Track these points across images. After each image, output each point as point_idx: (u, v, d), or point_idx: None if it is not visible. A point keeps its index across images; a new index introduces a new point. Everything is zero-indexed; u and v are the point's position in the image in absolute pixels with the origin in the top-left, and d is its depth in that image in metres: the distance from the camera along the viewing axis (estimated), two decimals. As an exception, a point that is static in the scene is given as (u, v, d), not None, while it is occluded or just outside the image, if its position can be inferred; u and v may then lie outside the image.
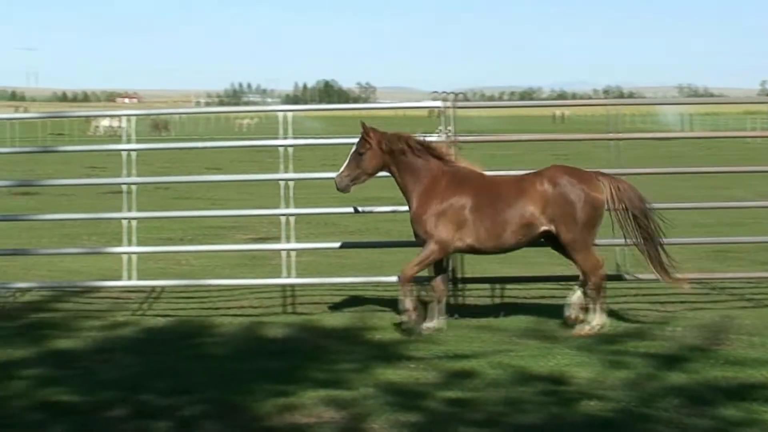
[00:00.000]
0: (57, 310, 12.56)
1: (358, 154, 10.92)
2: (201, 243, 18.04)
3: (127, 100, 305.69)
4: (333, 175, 11.18)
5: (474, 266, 12.13)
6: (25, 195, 28.21)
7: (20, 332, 11.04)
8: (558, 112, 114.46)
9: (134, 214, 12.92)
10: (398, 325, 10.93)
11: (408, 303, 10.76)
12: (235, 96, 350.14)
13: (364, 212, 13.33)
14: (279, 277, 12.71)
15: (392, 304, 12.23)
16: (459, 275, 12.04)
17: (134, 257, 12.67)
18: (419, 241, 10.98)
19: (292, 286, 12.80)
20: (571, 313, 10.84)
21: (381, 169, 11.03)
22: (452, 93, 12.29)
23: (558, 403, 7.96)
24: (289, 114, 12.62)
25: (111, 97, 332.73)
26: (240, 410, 7.84)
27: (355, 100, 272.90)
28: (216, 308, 12.57)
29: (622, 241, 11.23)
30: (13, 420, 7.69)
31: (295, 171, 12.75)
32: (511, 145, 41.00)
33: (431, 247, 10.75)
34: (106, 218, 16.59)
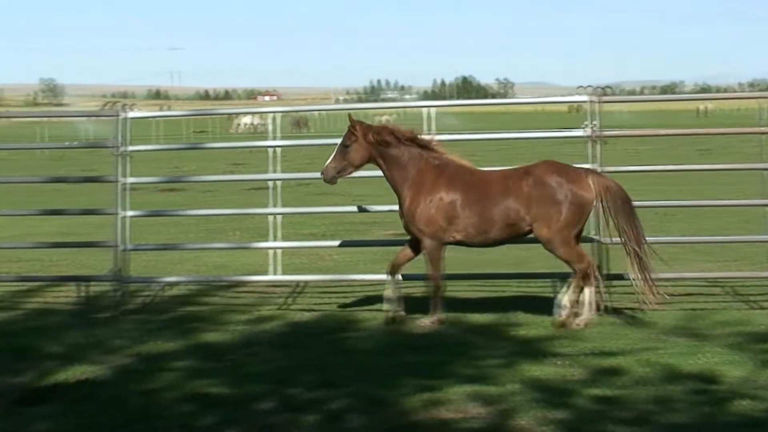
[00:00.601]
0: (204, 303, 12.79)
1: (344, 147, 11.11)
2: (342, 238, 18.15)
3: (267, 98, 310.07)
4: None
5: (618, 263, 11.94)
6: (171, 191, 28.86)
7: (169, 325, 11.27)
8: (701, 106, 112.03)
9: (280, 209, 13.06)
10: (550, 322, 10.85)
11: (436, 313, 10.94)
12: (373, 93, 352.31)
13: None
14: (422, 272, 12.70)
15: (536, 300, 12.15)
16: (605, 272, 11.86)
17: (279, 252, 12.83)
18: (411, 236, 11.17)
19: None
20: (560, 313, 10.80)
21: (367, 162, 11.23)
22: (598, 87, 12.11)
23: (709, 402, 7.79)
24: (432, 110, 12.62)
25: (252, 95, 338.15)
26: (386, 404, 7.86)
27: (493, 96, 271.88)
28: (359, 303, 12.62)
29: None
30: (165, 411, 7.85)
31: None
32: (653, 140, 40.30)
33: (427, 243, 10.95)
34: (252, 213, 16.82)
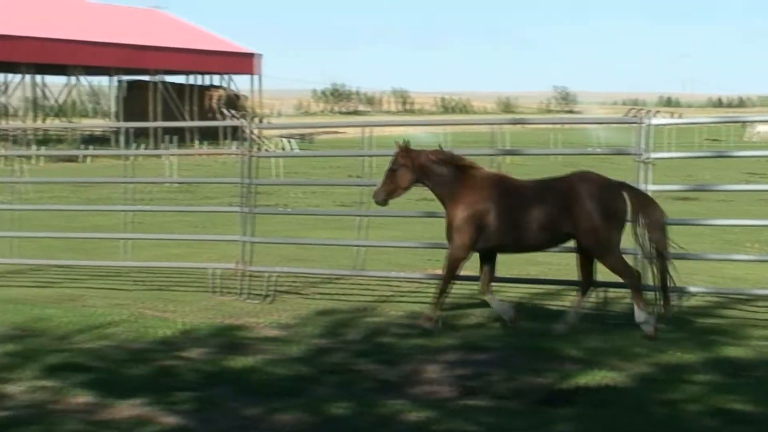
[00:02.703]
0: (723, 316, 12.44)
1: (392, 171, 11.83)
2: None
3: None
4: None
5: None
6: (686, 200, 28.45)
7: (687, 337, 11.08)
8: None
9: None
10: None
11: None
12: None
13: None
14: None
15: None
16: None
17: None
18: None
19: None
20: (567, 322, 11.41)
21: (414, 183, 11.92)
22: None
23: None
24: None
25: (766, 102, 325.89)
26: None
27: None
28: None
29: None
30: (688, 423, 7.76)
31: None
32: None
33: (454, 249, 11.60)
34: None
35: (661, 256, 11.19)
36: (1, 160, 53.88)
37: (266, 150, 51.76)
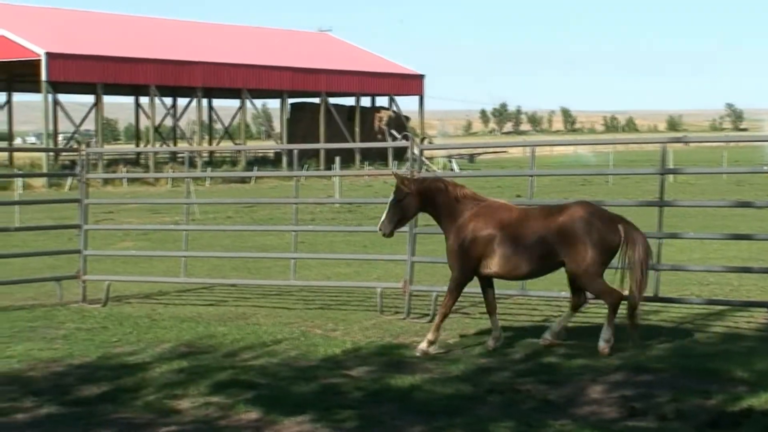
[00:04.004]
0: None
1: (398, 201, 11.90)
2: None
3: None
4: None
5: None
6: None
7: None
8: None
9: None
10: None
11: (432, 335, 11.56)
12: None
13: None
14: None
15: None
16: None
17: None
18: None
19: None
20: (548, 337, 11.60)
21: (419, 212, 12.16)
22: None
23: None
24: None
25: None
26: None
27: None
28: None
29: None
30: None
31: None
32: None
33: (455, 277, 11.77)
34: None
35: (639, 285, 11.29)
36: (172, 181, 55.61)
37: (427, 170, 51.93)
